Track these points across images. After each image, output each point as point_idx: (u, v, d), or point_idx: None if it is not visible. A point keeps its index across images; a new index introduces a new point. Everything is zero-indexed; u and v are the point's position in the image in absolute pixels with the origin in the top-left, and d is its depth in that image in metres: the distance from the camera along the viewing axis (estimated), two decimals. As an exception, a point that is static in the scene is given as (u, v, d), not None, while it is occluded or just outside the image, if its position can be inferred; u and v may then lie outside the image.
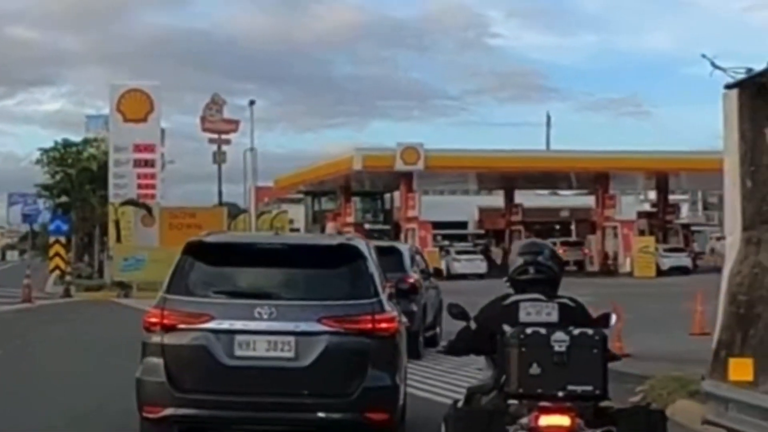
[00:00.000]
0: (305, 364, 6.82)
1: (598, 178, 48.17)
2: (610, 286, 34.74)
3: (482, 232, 54.48)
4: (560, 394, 4.55)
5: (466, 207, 62.41)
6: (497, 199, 58.11)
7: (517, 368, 4.60)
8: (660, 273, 44.22)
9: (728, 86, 9.98)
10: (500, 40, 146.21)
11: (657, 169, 48.79)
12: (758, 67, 9.65)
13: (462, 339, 5.27)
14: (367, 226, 48.70)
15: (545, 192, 64.98)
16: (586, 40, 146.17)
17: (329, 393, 6.89)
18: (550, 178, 52.54)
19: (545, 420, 4.54)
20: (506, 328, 4.81)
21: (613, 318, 5.29)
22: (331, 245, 7.99)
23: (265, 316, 6.84)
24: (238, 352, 6.84)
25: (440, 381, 11.89)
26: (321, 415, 6.91)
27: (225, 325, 6.85)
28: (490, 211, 60.77)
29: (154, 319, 6.99)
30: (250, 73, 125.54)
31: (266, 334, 6.86)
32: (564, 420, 4.53)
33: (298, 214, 58.61)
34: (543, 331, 4.64)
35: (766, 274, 9.65)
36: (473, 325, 5.16)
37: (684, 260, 47.52)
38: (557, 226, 65.10)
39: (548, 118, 70.09)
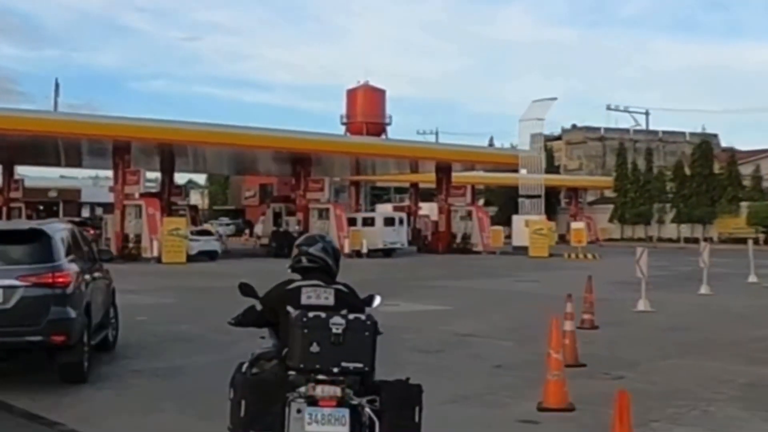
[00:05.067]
0: (9, 307, 9.81)
1: (117, 150, 41.97)
2: (138, 273, 29.63)
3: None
4: (335, 369, 5.00)
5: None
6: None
7: (299, 346, 5.04)
8: (189, 258, 39.78)
9: None
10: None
11: (163, 141, 42.95)
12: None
13: (248, 316, 5.83)
14: None
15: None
16: (49, 53, 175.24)
17: (26, 324, 9.87)
18: (57, 149, 44.85)
19: (320, 389, 5.03)
20: (290, 309, 5.37)
21: (377, 299, 5.91)
22: (24, 229, 10.91)
23: None
24: None
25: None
26: (22, 338, 9.95)
27: None
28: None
29: None
30: None
31: None
32: (336, 390, 5.02)
33: None
34: (323, 315, 5.11)
35: None
36: (259, 306, 5.75)
37: (213, 244, 43.44)
38: (41, 207, 58.35)
39: (56, 84, 69.59)
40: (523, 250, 47.19)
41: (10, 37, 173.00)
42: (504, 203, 71.05)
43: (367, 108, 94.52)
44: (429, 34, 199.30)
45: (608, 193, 78.36)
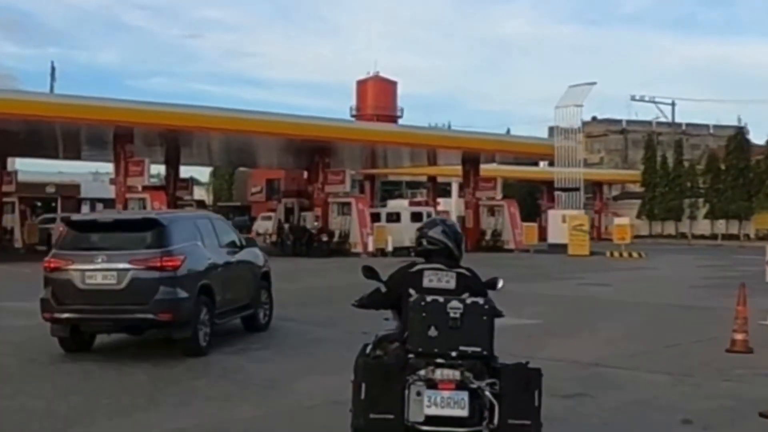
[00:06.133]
0: (122, 287, 11.19)
1: (119, 138, 38.00)
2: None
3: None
4: (453, 353, 5.11)
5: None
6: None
7: (418, 330, 5.18)
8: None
9: None
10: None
11: (168, 127, 38.46)
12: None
13: (372, 298, 5.94)
14: None
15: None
16: (49, 51, 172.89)
17: (137, 302, 11.17)
18: (54, 138, 40.82)
19: (439, 373, 5.11)
20: (411, 291, 5.46)
21: (500, 282, 5.89)
22: (139, 218, 12.63)
23: (100, 261, 11.31)
24: (87, 281, 11.30)
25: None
26: (134, 315, 11.30)
27: (80, 266, 11.37)
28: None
29: (47, 264, 11.66)
30: None
31: (101, 271, 11.25)
32: (455, 373, 5.09)
33: None
34: (441, 299, 5.22)
35: None
36: (383, 288, 5.85)
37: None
38: (39, 203, 54.93)
39: (53, 68, 68.67)
40: (560, 248, 43.20)
41: (10, 34, 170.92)
42: (522, 198, 67.18)
43: (378, 100, 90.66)
44: (432, 32, 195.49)
45: (631, 188, 74.49)
